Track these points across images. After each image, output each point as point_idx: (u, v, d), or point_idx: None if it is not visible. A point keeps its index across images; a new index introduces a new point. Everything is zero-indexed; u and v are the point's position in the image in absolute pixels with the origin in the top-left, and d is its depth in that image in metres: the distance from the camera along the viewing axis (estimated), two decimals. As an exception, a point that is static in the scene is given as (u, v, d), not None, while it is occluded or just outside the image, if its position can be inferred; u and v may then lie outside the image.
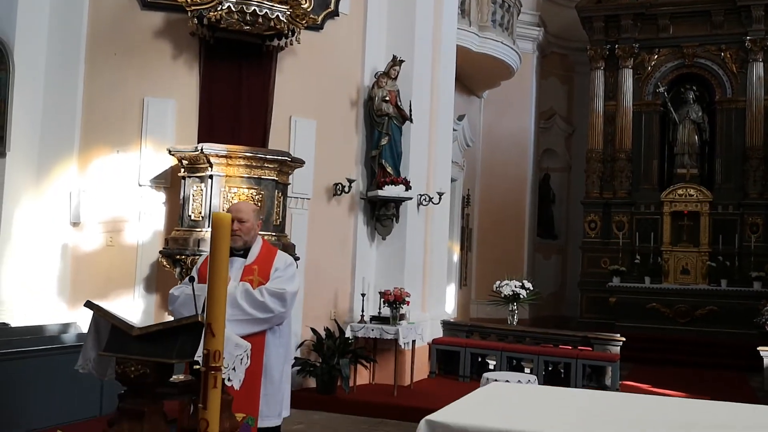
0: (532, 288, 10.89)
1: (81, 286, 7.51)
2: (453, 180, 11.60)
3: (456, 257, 13.37)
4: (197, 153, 7.02)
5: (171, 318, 4.09)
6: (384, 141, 8.56)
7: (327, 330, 8.14)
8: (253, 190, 7.12)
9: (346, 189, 8.44)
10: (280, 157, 7.24)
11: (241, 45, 7.73)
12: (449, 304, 12.00)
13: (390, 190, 8.57)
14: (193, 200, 7.16)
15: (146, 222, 7.66)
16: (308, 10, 7.55)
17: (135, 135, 7.69)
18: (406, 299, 8.28)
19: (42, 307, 7.56)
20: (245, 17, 7.06)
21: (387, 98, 8.51)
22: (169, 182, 7.64)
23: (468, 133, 13.60)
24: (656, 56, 15.30)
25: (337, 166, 8.49)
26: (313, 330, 8.04)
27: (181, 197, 7.28)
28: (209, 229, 6.52)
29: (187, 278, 3.67)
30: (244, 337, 3.42)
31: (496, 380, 5.34)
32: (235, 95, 7.81)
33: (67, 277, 7.68)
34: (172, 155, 7.30)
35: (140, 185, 7.68)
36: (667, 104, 15.16)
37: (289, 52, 8.00)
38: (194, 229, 7.15)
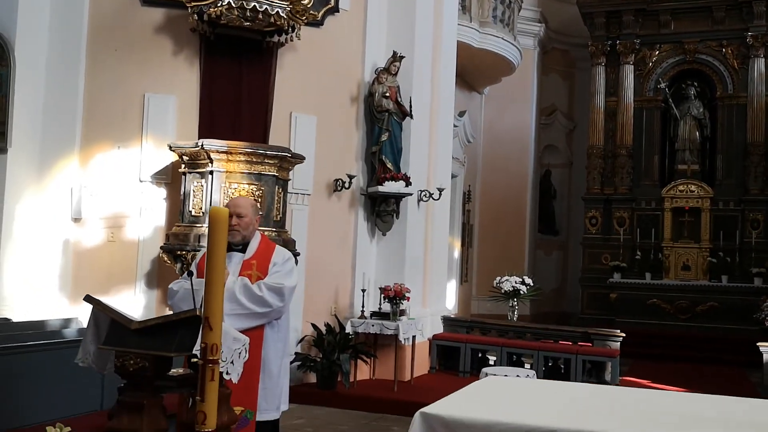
0: (532, 284, 10.91)
1: (82, 282, 7.53)
2: (454, 176, 11.61)
3: (457, 253, 13.37)
4: (198, 149, 7.05)
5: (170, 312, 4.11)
6: (384, 137, 8.57)
7: (327, 325, 8.16)
8: (253, 186, 7.14)
9: (347, 185, 8.46)
10: (280, 153, 7.26)
11: (242, 41, 7.75)
12: (450, 300, 12.01)
13: (390, 186, 8.57)
14: (194, 196, 7.20)
15: (147, 218, 7.69)
16: (308, 6, 7.56)
17: (136, 131, 7.72)
18: (407, 295, 8.32)
19: (43, 302, 7.59)
20: (245, 13, 7.08)
21: (387, 94, 8.52)
22: (170, 178, 7.68)
23: (469, 129, 13.60)
24: (657, 52, 15.28)
25: (338, 162, 8.51)
26: (313, 325, 8.07)
27: (182, 193, 7.31)
28: (209, 225, 6.53)
29: (186, 273, 3.69)
30: (243, 332, 3.44)
31: (494, 375, 5.37)
32: (236, 91, 7.83)
33: (68, 273, 7.71)
34: (173, 151, 7.33)
35: (141, 181, 7.71)
36: (668, 100, 15.14)
37: (290, 48, 8.02)
38: (195, 225, 7.18)
